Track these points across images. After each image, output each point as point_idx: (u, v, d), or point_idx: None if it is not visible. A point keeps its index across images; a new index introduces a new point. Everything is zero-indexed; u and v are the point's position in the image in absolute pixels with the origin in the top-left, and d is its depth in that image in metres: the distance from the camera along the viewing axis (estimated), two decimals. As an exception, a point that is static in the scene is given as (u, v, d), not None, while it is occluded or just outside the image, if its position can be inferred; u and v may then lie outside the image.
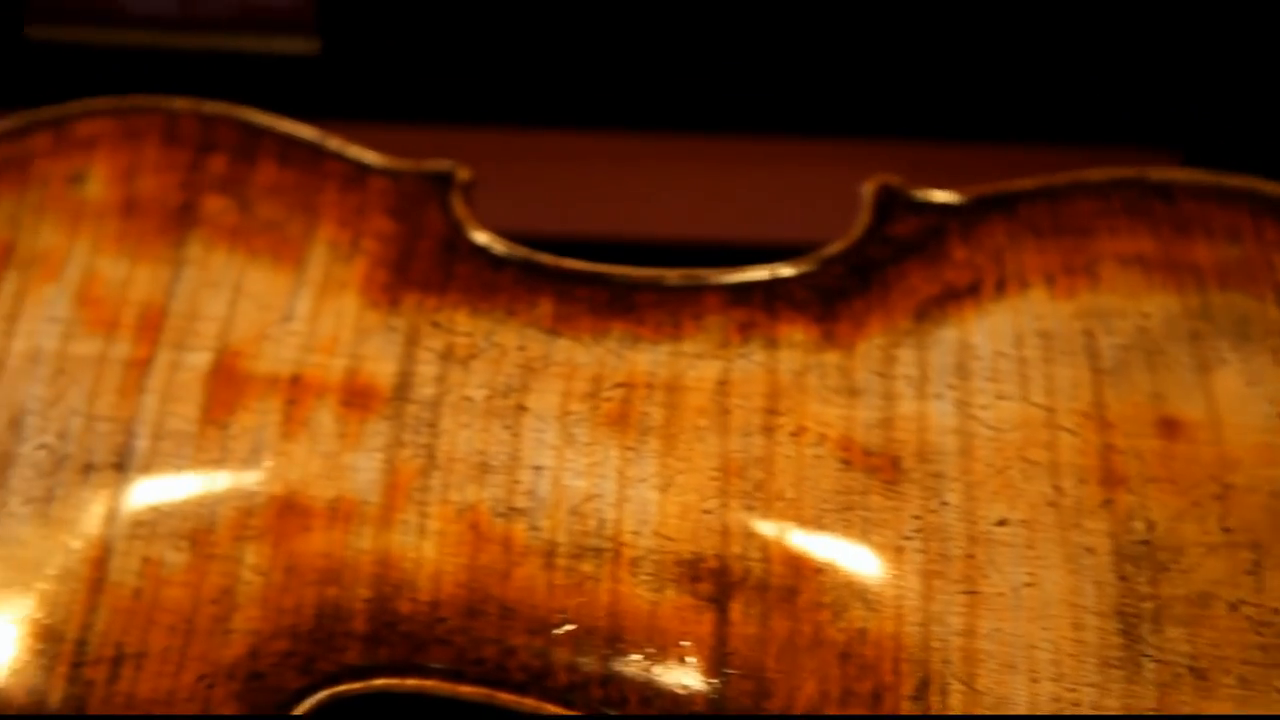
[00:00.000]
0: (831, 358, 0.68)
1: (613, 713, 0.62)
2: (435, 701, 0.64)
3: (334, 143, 0.76)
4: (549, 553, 0.64)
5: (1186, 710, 0.60)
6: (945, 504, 0.64)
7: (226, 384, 0.69)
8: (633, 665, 0.63)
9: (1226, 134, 1.02)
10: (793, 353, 0.68)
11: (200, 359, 0.69)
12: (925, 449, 0.66)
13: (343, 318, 0.70)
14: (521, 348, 0.69)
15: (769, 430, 0.66)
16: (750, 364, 0.68)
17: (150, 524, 0.66)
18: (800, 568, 0.64)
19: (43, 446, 0.68)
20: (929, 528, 0.64)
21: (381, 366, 0.69)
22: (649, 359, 0.68)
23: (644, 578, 0.64)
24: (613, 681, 0.62)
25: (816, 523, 0.64)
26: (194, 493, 0.66)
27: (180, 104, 0.77)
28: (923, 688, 0.61)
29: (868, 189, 0.74)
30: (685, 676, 0.62)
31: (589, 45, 1.01)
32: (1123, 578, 0.63)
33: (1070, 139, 1.01)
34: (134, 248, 0.72)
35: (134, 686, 0.63)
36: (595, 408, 0.67)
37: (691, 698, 0.62)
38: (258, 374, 0.69)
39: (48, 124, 0.77)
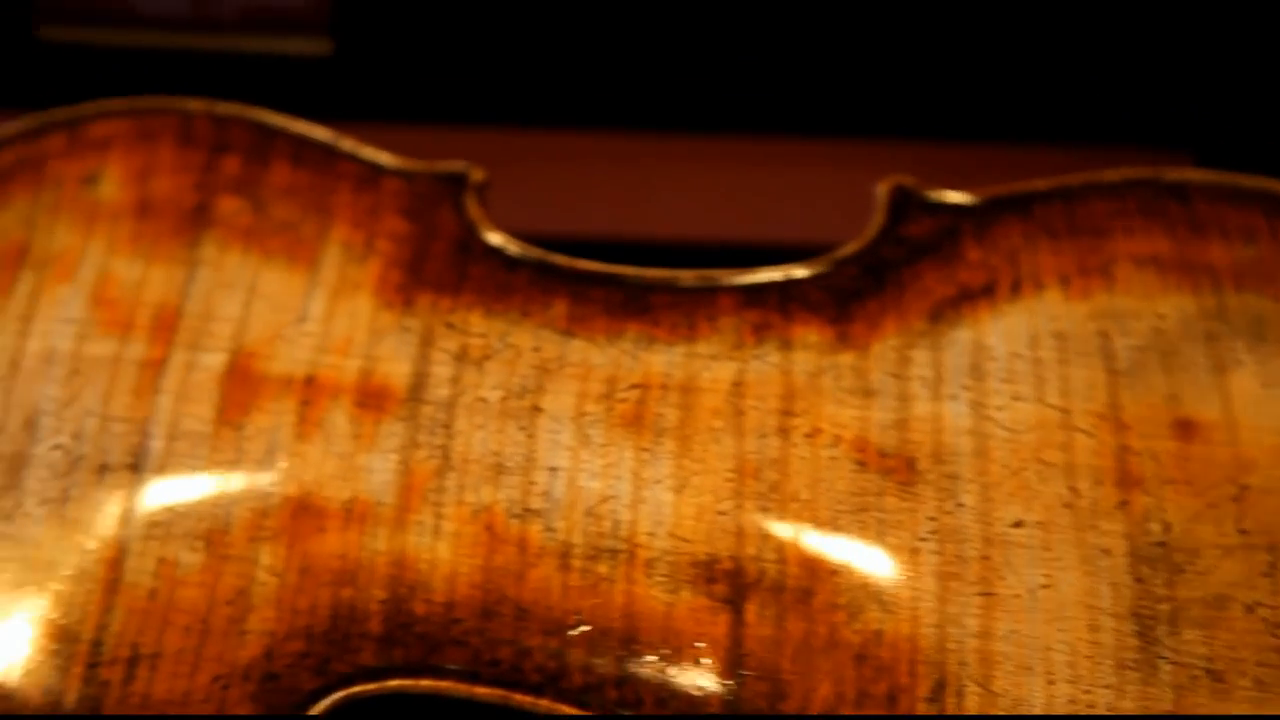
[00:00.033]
0: (846, 359, 0.68)
1: (628, 714, 0.62)
2: (450, 703, 0.64)
3: (347, 144, 0.76)
4: (564, 554, 0.64)
5: (1203, 713, 0.60)
6: (961, 505, 0.64)
7: (241, 385, 0.69)
8: (648, 666, 0.63)
9: (1238, 134, 1.02)
10: (807, 354, 0.68)
11: (215, 360, 0.69)
12: (940, 450, 0.66)
13: (357, 319, 0.70)
14: (536, 349, 0.69)
15: (784, 431, 0.66)
16: (765, 365, 0.68)
17: (165, 525, 0.66)
18: (815, 569, 0.64)
19: (58, 447, 0.68)
20: (944, 529, 0.64)
21: (396, 367, 0.69)
22: (664, 360, 0.68)
23: (659, 579, 0.64)
24: (628, 683, 0.62)
25: (832, 524, 0.64)
26: (209, 493, 0.67)
27: (194, 105, 0.77)
28: (938, 689, 0.61)
29: (882, 189, 0.74)
30: (700, 678, 0.62)
31: (602, 46, 1.01)
32: (1139, 579, 0.63)
33: (1082, 139, 1.01)
34: (148, 248, 0.72)
35: (149, 687, 0.63)
36: (610, 409, 0.67)
37: (707, 699, 0.62)
38: (272, 375, 0.69)
39: (62, 125, 0.77)
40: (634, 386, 0.68)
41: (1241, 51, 1.00)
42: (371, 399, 0.68)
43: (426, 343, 0.69)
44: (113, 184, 0.74)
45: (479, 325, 0.70)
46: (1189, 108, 1.01)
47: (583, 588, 0.64)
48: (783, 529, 0.64)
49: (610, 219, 1.01)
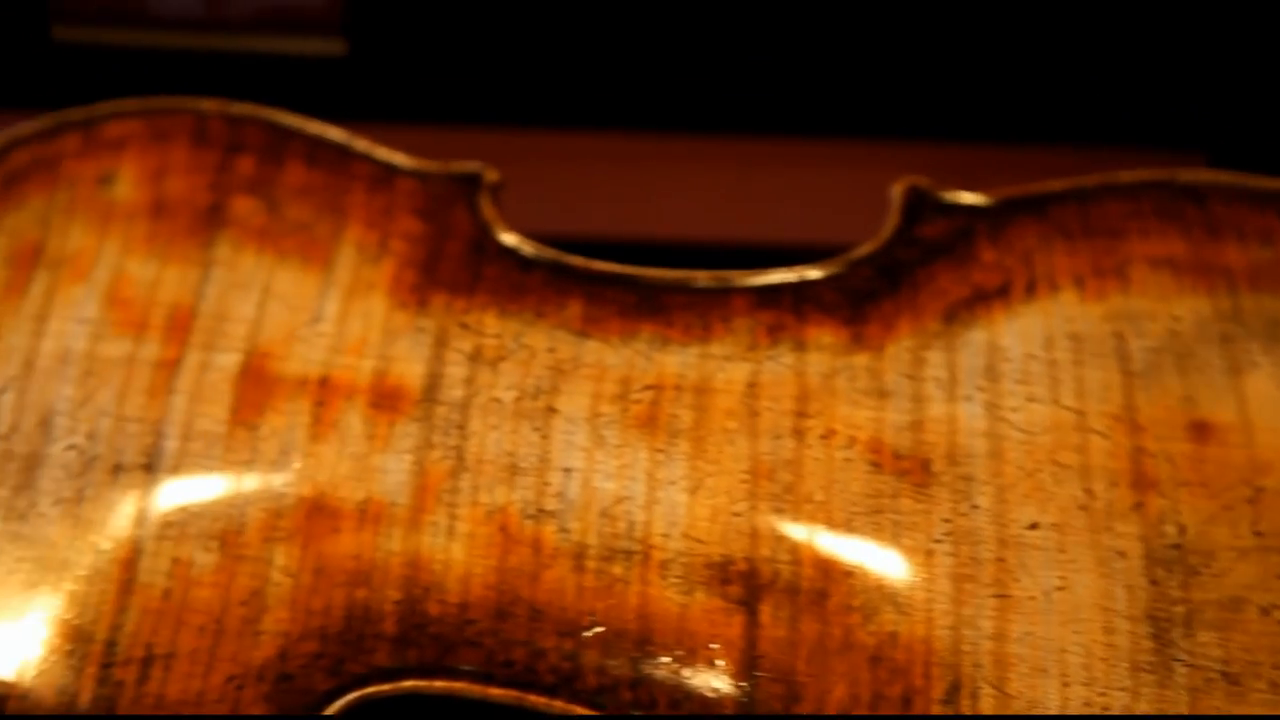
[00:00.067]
0: (861, 360, 0.68)
1: (641, 715, 0.62)
2: (464, 704, 0.64)
3: (362, 144, 0.76)
4: (578, 555, 0.64)
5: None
6: (976, 507, 0.64)
7: (255, 385, 0.69)
8: (662, 668, 0.62)
9: (1250, 135, 1.01)
10: (821, 355, 0.68)
11: (229, 360, 0.69)
12: (955, 452, 0.65)
13: (371, 319, 0.70)
14: (551, 349, 0.69)
15: (798, 433, 0.66)
16: (779, 366, 0.68)
17: (180, 525, 0.66)
18: (830, 570, 0.64)
19: (72, 447, 0.68)
20: (959, 531, 0.64)
21: (410, 368, 0.69)
22: (678, 361, 0.68)
23: (673, 580, 0.64)
24: (642, 684, 0.62)
25: (846, 525, 0.64)
26: (223, 494, 0.67)
27: (208, 105, 0.77)
28: (953, 692, 0.61)
29: (896, 190, 0.73)
30: (715, 679, 0.62)
31: (616, 46, 1.01)
32: (1154, 582, 0.62)
33: (1095, 140, 1.01)
34: (163, 249, 0.72)
35: (163, 687, 0.63)
36: (625, 410, 0.67)
37: (721, 700, 0.62)
38: (287, 375, 0.69)
39: (77, 125, 0.77)
40: (648, 387, 0.68)
41: (1254, 52, 0.99)
42: (386, 399, 0.68)
43: (441, 343, 0.69)
44: (127, 184, 0.74)
45: (493, 326, 0.70)
46: (1202, 108, 1.01)
47: (597, 589, 0.64)
48: (797, 530, 0.64)
49: (624, 220, 1.01)
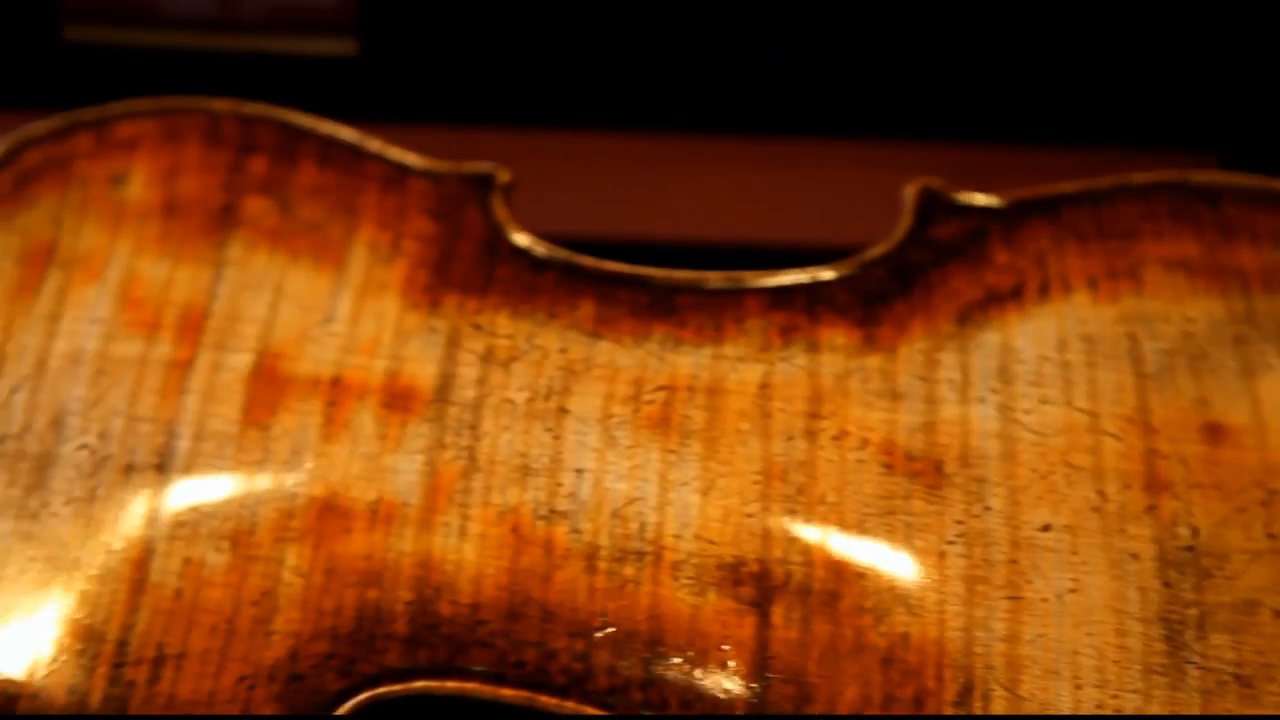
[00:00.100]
0: (873, 361, 0.68)
1: (652, 716, 0.62)
2: (475, 704, 0.64)
3: (374, 144, 0.76)
4: (590, 556, 0.64)
5: (1231, 717, 0.60)
6: (988, 509, 0.64)
7: (268, 385, 0.69)
8: (674, 669, 0.62)
9: (1263, 136, 1.01)
10: (834, 356, 0.68)
11: (241, 360, 0.69)
12: (968, 453, 0.65)
13: (383, 319, 0.70)
14: (563, 350, 0.69)
15: (811, 434, 0.66)
16: (792, 367, 0.68)
17: (191, 525, 0.66)
18: (842, 572, 0.63)
19: (84, 447, 0.68)
20: (972, 533, 0.64)
21: (422, 368, 0.69)
22: (691, 362, 0.68)
23: (685, 581, 0.64)
24: (653, 685, 0.62)
25: (859, 527, 0.64)
26: (235, 494, 0.67)
27: (221, 105, 0.77)
28: (965, 693, 0.61)
29: (909, 192, 0.73)
30: (726, 680, 0.62)
31: (628, 47, 1.01)
32: (1167, 584, 0.62)
33: (1107, 141, 1.01)
34: (175, 249, 0.72)
35: (174, 687, 0.63)
36: (637, 410, 0.67)
37: (732, 702, 0.62)
38: (299, 375, 0.69)
39: (89, 125, 0.77)
40: (661, 388, 0.68)
41: (1266, 53, 0.99)
42: (398, 400, 0.68)
43: (453, 344, 0.69)
44: (139, 184, 0.74)
45: (505, 326, 0.70)
46: (1215, 110, 1.01)
47: (609, 590, 0.64)
48: (809, 531, 0.64)
49: (636, 220, 1.01)
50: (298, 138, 0.76)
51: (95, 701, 0.63)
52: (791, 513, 0.65)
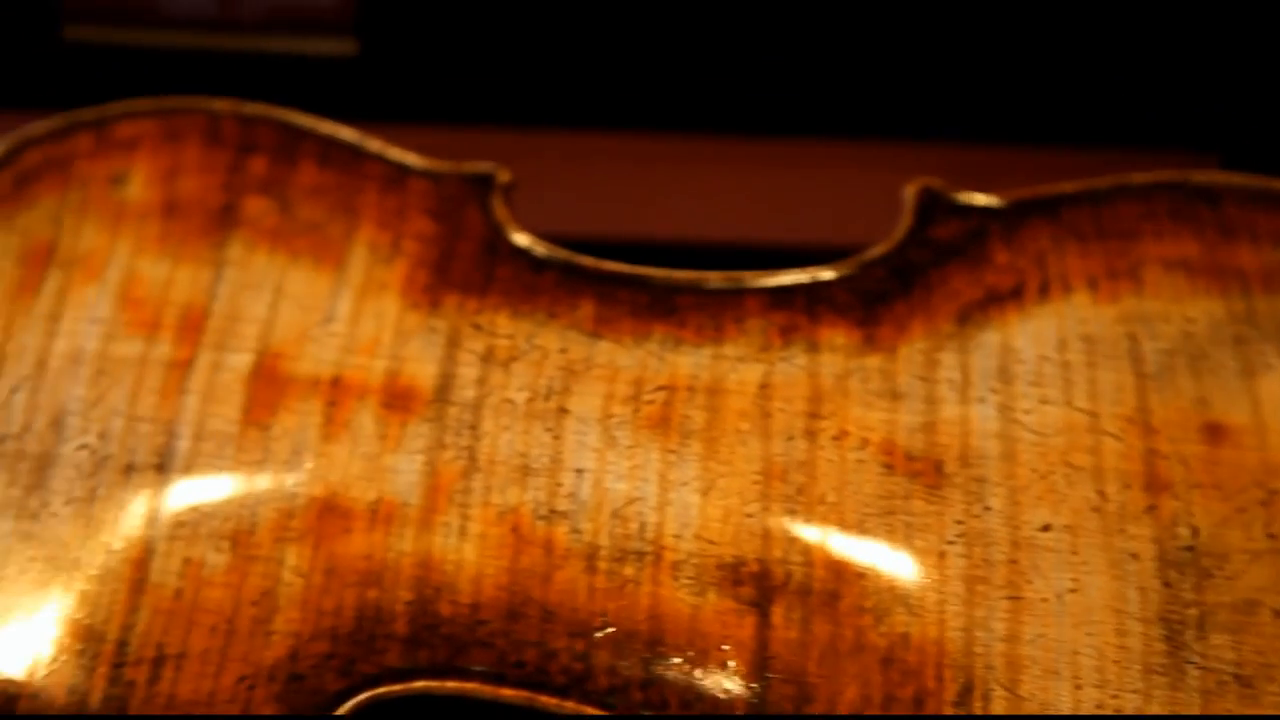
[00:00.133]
0: (873, 361, 0.68)
1: (652, 716, 0.62)
2: (475, 704, 0.64)
3: (374, 144, 0.76)
4: (590, 556, 0.64)
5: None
6: (988, 509, 0.64)
7: (268, 385, 0.69)
8: (673, 669, 0.62)
9: (1265, 136, 1.01)
10: (834, 356, 0.68)
11: (241, 360, 0.69)
12: (968, 453, 0.65)
13: (383, 319, 0.70)
14: (563, 350, 0.69)
15: (811, 434, 0.66)
16: (792, 367, 0.68)
17: (191, 525, 0.66)
18: (842, 572, 0.63)
19: (84, 447, 0.68)
20: (972, 533, 0.64)
21: (422, 368, 0.69)
22: (691, 362, 0.68)
23: (685, 581, 0.64)
24: (653, 685, 0.62)
25: (859, 527, 0.64)
26: (235, 494, 0.67)
27: (221, 105, 0.77)
28: (965, 693, 0.61)
29: (909, 192, 0.73)
30: (726, 680, 0.62)
31: (628, 47, 1.01)
32: (1167, 584, 0.62)
33: (1108, 142, 1.01)
34: (175, 249, 0.72)
35: (174, 687, 0.63)
36: (637, 410, 0.67)
37: (732, 702, 0.62)
38: (299, 375, 0.69)
39: (89, 125, 0.77)
40: (661, 388, 0.68)
41: (1268, 53, 0.99)
42: (398, 400, 0.68)
43: (453, 344, 0.69)
44: (139, 184, 0.74)
45: (506, 326, 0.70)
46: (1216, 110, 1.01)
47: (609, 590, 0.64)
48: (809, 532, 0.64)
49: (636, 220, 1.01)
50: (298, 138, 0.76)
51: (95, 701, 0.63)
52: (791, 513, 0.65)
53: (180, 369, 0.69)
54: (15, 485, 0.67)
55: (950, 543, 0.64)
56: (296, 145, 0.76)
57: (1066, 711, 0.60)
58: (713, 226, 1.01)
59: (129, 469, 0.67)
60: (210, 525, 0.66)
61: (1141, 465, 0.65)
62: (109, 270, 0.72)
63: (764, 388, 0.67)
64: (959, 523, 0.64)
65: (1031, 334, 0.68)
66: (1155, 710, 0.60)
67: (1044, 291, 0.69)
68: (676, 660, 0.63)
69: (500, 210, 0.74)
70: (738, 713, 0.62)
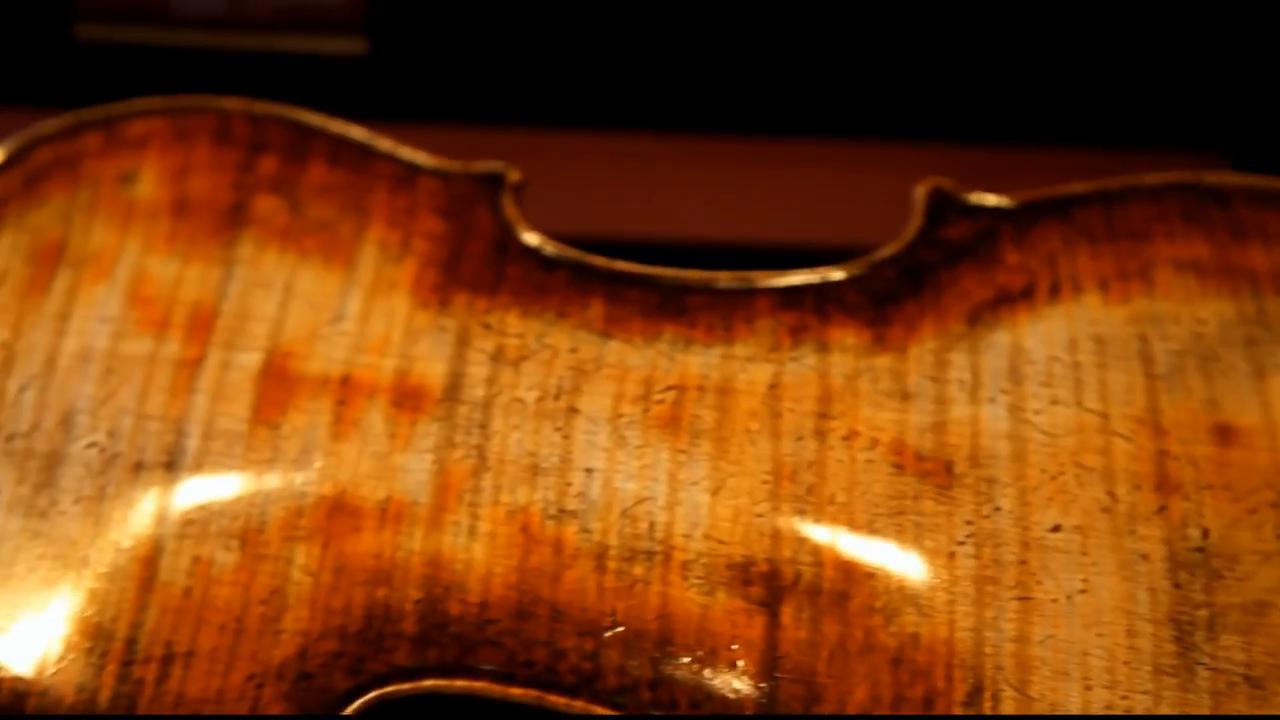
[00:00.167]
0: (883, 361, 0.68)
1: (662, 715, 0.62)
2: (484, 703, 0.64)
3: (384, 143, 0.76)
4: (600, 555, 0.64)
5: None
6: (998, 509, 0.64)
7: (277, 384, 0.69)
8: (683, 668, 0.62)
9: (1276, 137, 1.01)
10: (844, 356, 0.68)
11: (251, 359, 0.69)
12: (978, 454, 0.65)
13: (393, 318, 0.70)
14: (573, 349, 0.69)
15: (821, 434, 0.66)
16: (802, 367, 0.68)
17: (200, 523, 0.66)
18: (852, 572, 0.63)
19: (93, 445, 0.68)
20: (982, 533, 0.64)
21: (432, 367, 0.69)
22: (701, 362, 0.68)
23: (695, 581, 0.64)
24: (662, 684, 0.62)
25: (869, 527, 0.64)
26: (244, 492, 0.67)
27: (231, 104, 0.77)
28: (975, 694, 0.61)
29: (920, 192, 0.73)
30: (735, 680, 0.62)
31: (639, 47, 1.01)
32: (1177, 585, 0.62)
33: (1120, 142, 1.01)
34: (185, 248, 0.72)
35: (183, 686, 0.63)
36: (647, 410, 0.67)
37: (741, 701, 0.62)
38: (308, 374, 0.69)
39: (99, 123, 0.77)
40: (670, 388, 0.68)
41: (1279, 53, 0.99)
42: (407, 399, 0.68)
43: (463, 343, 0.69)
44: (149, 183, 0.74)
45: (515, 325, 0.70)
46: (1227, 110, 1.01)
47: (618, 589, 0.64)
48: (819, 532, 0.64)
49: (646, 220, 1.01)
50: (308, 137, 0.76)
51: (104, 699, 0.63)
52: (801, 513, 0.65)
53: (190, 367, 0.69)
54: (24, 483, 0.67)
55: (960, 543, 0.64)
56: (307, 144, 0.76)
57: (1076, 712, 0.60)
58: (723, 226, 1.01)
59: (138, 467, 0.67)
60: (219, 524, 0.66)
61: (1152, 466, 0.65)
62: (118, 269, 0.72)
63: (774, 388, 0.67)
64: (969, 523, 0.64)
65: (1042, 334, 0.68)
66: (1165, 711, 0.60)
67: (1055, 292, 0.69)
68: (686, 660, 0.62)
69: (510, 209, 0.74)
70: (747, 712, 0.62)
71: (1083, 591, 0.62)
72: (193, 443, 0.68)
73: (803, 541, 0.64)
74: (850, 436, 0.66)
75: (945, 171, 0.76)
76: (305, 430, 0.67)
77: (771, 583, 0.63)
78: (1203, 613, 0.62)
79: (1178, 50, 0.99)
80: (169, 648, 0.64)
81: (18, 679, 0.64)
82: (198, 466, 0.67)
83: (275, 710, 0.63)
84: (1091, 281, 0.69)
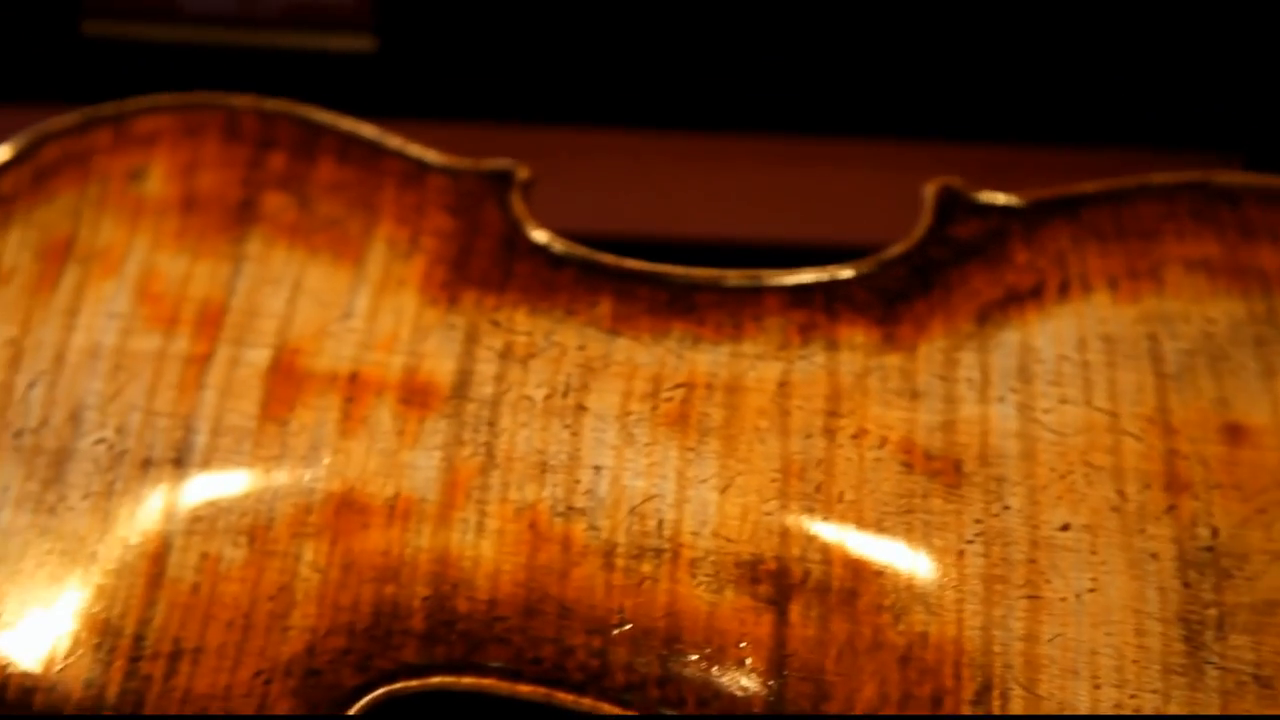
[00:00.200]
0: (893, 360, 0.68)
1: (670, 713, 0.62)
2: (492, 700, 0.64)
3: (393, 141, 0.76)
4: (608, 553, 0.64)
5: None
6: (1007, 508, 0.64)
7: (285, 381, 0.69)
8: (691, 666, 0.62)
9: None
10: (853, 355, 0.68)
11: (260, 355, 0.69)
12: (987, 452, 0.65)
13: (402, 315, 0.70)
14: (581, 347, 0.69)
15: (830, 432, 0.66)
16: (811, 365, 0.68)
17: (209, 519, 0.66)
18: (860, 570, 0.63)
19: (101, 441, 0.68)
20: (991, 532, 0.64)
21: (440, 364, 0.69)
22: (709, 359, 0.68)
23: (703, 579, 0.64)
24: (670, 682, 0.62)
25: (877, 525, 0.64)
26: (252, 489, 0.67)
27: (240, 101, 0.77)
28: (983, 692, 0.61)
29: (929, 191, 0.73)
30: (743, 678, 0.62)
31: (647, 45, 1.01)
32: (1186, 584, 0.62)
33: (1131, 142, 1.01)
34: (194, 244, 0.72)
35: (191, 682, 0.63)
36: (655, 408, 0.67)
37: (750, 699, 0.62)
38: (317, 371, 0.69)
39: (108, 120, 0.77)
40: (679, 386, 0.68)
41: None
42: (416, 396, 0.68)
43: (471, 340, 0.69)
44: (158, 179, 0.74)
45: (524, 323, 0.70)
46: (1239, 110, 1.01)
47: (626, 587, 0.64)
48: (828, 530, 0.64)
49: (654, 218, 1.01)
50: (317, 134, 0.76)
51: (111, 695, 0.63)
52: (810, 511, 0.64)
53: (198, 364, 0.69)
54: (33, 479, 0.67)
55: (969, 542, 0.64)
56: (316, 141, 0.76)
57: (1085, 711, 0.60)
58: (731, 224, 1.01)
59: (146, 463, 0.67)
60: (227, 520, 0.66)
61: (1161, 465, 0.64)
62: (127, 265, 0.72)
63: (783, 386, 0.67)
64: (978, 522, 0.64)
65: (1051, 333, 0.68)
66: (1174, 710, 0.60)
67: (1064, 291, 0.69)
68: (694, 657, 0.62)
69: (519, 207, 0.74)
70: (755, 710, 0.62)
71: (1092, 590, 0.62)
72: (201, 439, 0.68)
73: (811, 539, 0.64)
74: (859, 435, 0.66)
75: (954, 170, 0.76)
76: (313, 427, 0.68)
77: (780, 581, 0.63)
78: (1212, 612, 0.62)
79: (1189, 49, 0.99)
80: (177, 644, 0.64)
81: (25, 674, 0.64)
82: (206, 463, 0.67)
83: (283, 707, 0.63)
84: (1101, 280, 0.69)
